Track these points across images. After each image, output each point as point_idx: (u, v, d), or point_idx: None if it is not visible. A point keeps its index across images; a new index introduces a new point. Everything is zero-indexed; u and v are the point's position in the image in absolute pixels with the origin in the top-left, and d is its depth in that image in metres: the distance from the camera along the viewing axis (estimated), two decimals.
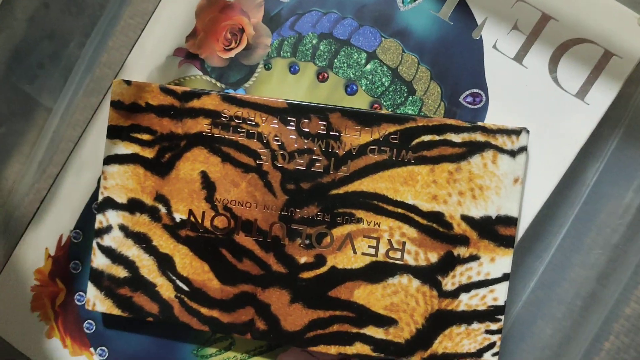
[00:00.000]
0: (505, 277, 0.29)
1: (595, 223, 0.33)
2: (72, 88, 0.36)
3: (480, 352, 0.29)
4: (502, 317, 0.29)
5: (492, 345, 0.29)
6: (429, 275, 0.30)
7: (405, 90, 0.31)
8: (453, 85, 0.31)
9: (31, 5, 0.38)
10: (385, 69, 0.31)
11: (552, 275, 0.34)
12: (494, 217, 0.29)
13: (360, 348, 0.30)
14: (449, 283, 0.30)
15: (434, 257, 0.30)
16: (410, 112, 0.31)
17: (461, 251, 0.30)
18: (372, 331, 0.30)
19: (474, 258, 0.29)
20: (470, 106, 0.31)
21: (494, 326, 0.29)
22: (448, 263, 0.30)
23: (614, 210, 0.33)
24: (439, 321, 0.30)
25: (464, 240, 0.30)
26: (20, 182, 0.37)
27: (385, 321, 0.30)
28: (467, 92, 0.31)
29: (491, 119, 0.31)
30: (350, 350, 0.30)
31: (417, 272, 0.30)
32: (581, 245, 0.34)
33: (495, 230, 0.29)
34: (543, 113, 0.31)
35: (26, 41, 0.37)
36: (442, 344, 0.30)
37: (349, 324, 0.30)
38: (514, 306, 0.34)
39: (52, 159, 0.36)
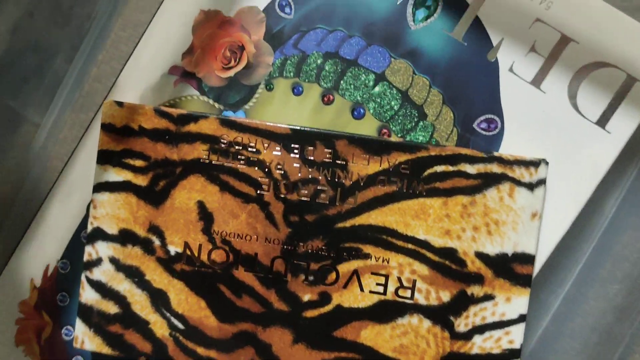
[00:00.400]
0: (521, 318, 0.28)
1: (613, 255, 0.32)
2: (60, 103, 0.34)
3: None
4: None
5: None
6: (441, 315, 0.28)
7: (416, 114, 0.29)
8: (466, 110, 0.29)
9: (14, 15, 0.35)
10: (395, 92, 0.30)
11: (567, 309, 0.32)
12: (510, 255, 0.28)
13: None
14: (462, 324, 0.28)
15: (446, 296, 0.28)
16: (420, 138, 0.29)
17: (475, 290, 0.28)
18: None
19: (488, 297, 0.28)
20: (484, 133, 0.29)
21: None
22: (461, 303, 0.28)
23: (632, 242, 0.31)
24: None
25: (478, 279, 0.28)
26: (4, 204, 0.35)
27: None
28: (482, 118, 0.29)
29: (507, 147, 0.29)
30: None
31: (428, 312, 0.28)
32: (597, 279, 0.32)
33: (511, 268, 0.28)
34: (562, 141, 0.29)
35: (9, 53, 0.35)
36: None
37: None
38: (528, 342, 0.32)
39: (39, 180, 0.34)
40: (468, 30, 0.29)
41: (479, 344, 0.28)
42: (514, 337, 0.28)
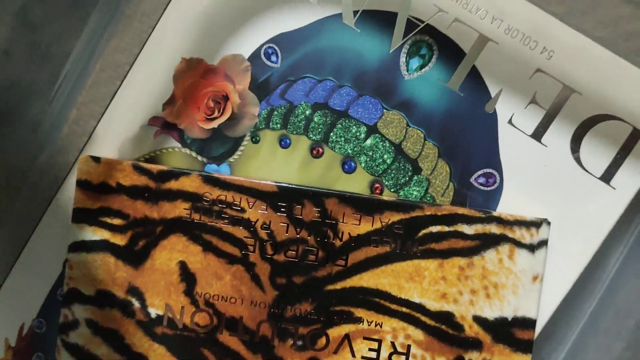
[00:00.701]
0: None
1: (616, 311, 0.30)
2: (38, 146, 0.33)
3: None
4: None
5: None
6: None
7: (410, 168, 0.28)
8: (464, 164, 0.28)
9: None
10: (388, 145, 0.28)
11: None
12: (510, 319, 0.26)
13: None
14: None
15: None
16: (415, 193, 0.28)
17: (473, 356, 0.26)
18: None
19: None
20: (482, 188, 0.28)
21: None
22: None
23: (637, 300, 0.30)
24: None
25: (476, 344, 0.26)
26: None
27: None
28: (480, 172, 0.28)
29: (506, 202, 0.28)
30: None
31: None
32: (601, 334, 0.31)
33: (511, 333, 0.26)
34: (564, 198, 0.27)
35: None
36: None
37: None
38: None
39: (14, 229, 0.32)
40: (465, 81, 0.28)
41: None
42: None
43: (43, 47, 0.34)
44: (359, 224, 0.27)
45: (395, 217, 0.27)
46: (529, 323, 0.26)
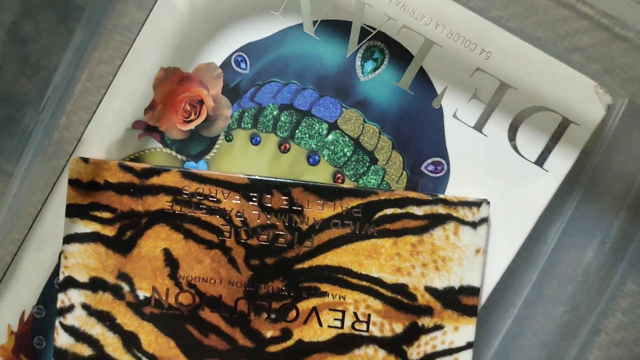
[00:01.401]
0: (469, 345, 0.30)
1: (557, 282, 0.34)
2: (31, 152, 0.36)
3: None
4: None
5: None
6: (395, 345, 0.30)
7: (368, 160, 0.31)
8: (415, 154, 0.31)
9: None
10: (347, 139, 0.31)
11: (518, 328, 0.34)
12: (457, 288, 0.30)
13: None
14: (414, 352, 0.30)
15: (399, 328, 0.30)
16: (372, 181, 0.31)
17: (425, 321, 0.30)
18: None
19: (438, 328, 0.30)
20: (432, 175, 0.31)
21: None
22: (413, 333, 0.30)
23: (574, 269, 0.34)
24: None
25: (428, 311, 0.30)
26: None
27: None
28: (429, 161, 0.31)
29: (453, 187, 0.31)
30: None
31: (382, 342, 0.30)
32: (544, 303, 0.34)
33: (458, 300, 0.30)
34: (503, 180, 0.31)
35: None
36: None
37: None
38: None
39: (10, 230, 0.35)
40: (414, 80, 0.31)
41: None
42: None
43: (33, 60, 0.37)
44: (322, 210, 0.30)
45: (354, 202, 0.30)
46: (474, 291, 0.30)
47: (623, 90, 0.32)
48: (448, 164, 0.31)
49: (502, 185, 0.31)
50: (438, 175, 0.31)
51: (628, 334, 0.35)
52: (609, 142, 0.33)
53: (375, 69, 0.31)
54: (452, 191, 0.31)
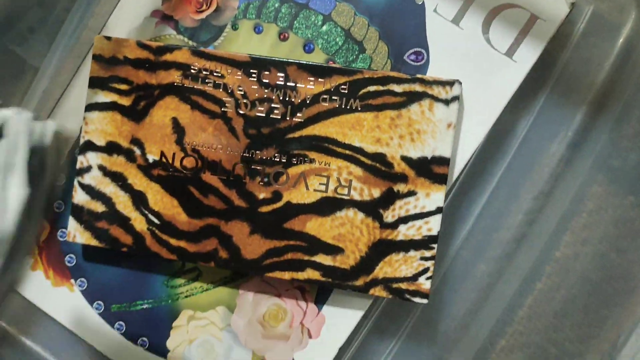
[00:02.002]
0: (438, 210, 0.33)
1: (527, 172, 0.37)
2: (59, 50, 0.40)
3: (416, 276, 0.33)
4: (435, 245, 0.33)
5: (426, 270, 0.33)
6: (372, 208, 0.33)
7: (357, 49, 0.35)
8: (398, 45, 0.35)
9: None
10: (339, 30, 0.35)
11: (488, 221, 0.38)
12: (429, 158, 0.33)
13: (310, 274, 0.34)
14: (389, 216, 0.33)
15: (376, 193, 0.33)
16: (361, 67, 0.35)
17: (400, 187, 0.33)
18: (321, 259, 0.34)
19: (411, 193, 0.33)
20: (413, 63, 0.35)
21: (428, 254, 0.33)
22: (389, 198, 0.33)
23: (542, 160, 0.37)
24: (380, 249, 0.33)
25: (403, 178, 0.33)
26: None
27: (333, 250, 0.33)
28: (411, 51, 0.35)
29: (431, 74, 0.35)
30: (302, 275, 0.34)
31: (361, 206, 0.34)
32: (515, 193, 0.38)
33: (430, 169, 0.33)
34: (477, 69, 0.34)
35: (17, 7, 0.41)
36: (383, 269, 0.33)
37: (301, 253, 0.34)
38: (452, 247, 0.37)
39: (38, 115, 0.39)
40: None
41: (404, 232, 0.33)
42: (432, 226, 0.33)
43: None
44: (313, 86, 0.34)
45: (341, 80, 0.34)
46: (444, 161, 0.33)
47: None
48: (428, 53, 0.35)
49: (475, 72, 0.34)
50: (419, 64, 0.35)
51: (594, 233, 0.38)
52: (575, 43, 0.36)
53: None
54: None
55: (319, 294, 0.35)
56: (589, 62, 0.36)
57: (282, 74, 0.34)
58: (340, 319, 0.35)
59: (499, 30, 0.34)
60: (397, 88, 0.34)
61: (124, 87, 0.35)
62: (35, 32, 0.41)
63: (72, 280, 0.37)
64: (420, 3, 0.35)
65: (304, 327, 0.35)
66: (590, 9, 0.36)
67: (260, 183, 0.34)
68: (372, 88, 0.34)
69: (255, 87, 0.34)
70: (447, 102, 0.33)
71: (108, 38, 0.35)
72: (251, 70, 0.34)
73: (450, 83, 0.33)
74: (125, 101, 0.35)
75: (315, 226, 0.34)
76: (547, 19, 0.34)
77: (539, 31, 0.34)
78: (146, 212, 0.35)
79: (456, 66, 0.35)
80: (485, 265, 0.39)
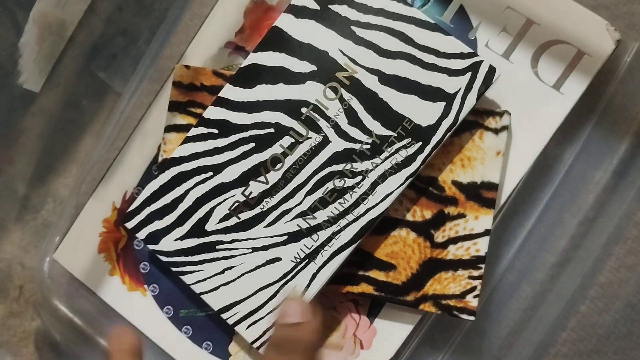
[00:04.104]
0: (486, 232, 0.35)
1: (572, 198, 0.39)
2: (139, 76, 0.44)
3: (464, 294, 0.35)
4: (482, 265, 0.35)
5: (473, 289, 0.35)
6: (424, 229, 0.36)
7: None
8: None
9: (108, 8, 0.46)
10: None
11: (534, 245, 0.40)
12: (478, 183, 0.36)
13: (365, 288, 0.36)
14: (440, 236, 0.36)
15: (428, 214, 0.36)
16: None
17: (451, 210, 0.36)
18: (375, 274, 0.36)
19: (461, 216, 0.36)
20: None
21: (476, 273, 0.35)
22: (440, 219, 0.36)
23: (588, 187, 0.39)
24: (431, 267, 0.36)
25: (453, 201, 0.36)
26: (92, 153, 0.44)
27: (386, 266, 0.36)
28: None
29: (483, 105, 0.37)
30: (356, 289, 0.36)
31: (414, 226, 0.36)
32: (560, 218, 0.39)
33: (479, 193, 0.36)
34: (525, 100, 0.37)
35: (103, 36, 0.45)
36: (433, 286, 0.36)
37: (356, 267, 0.36)
38: (499, 269, 0.39)
39: (119, 134, 0.43)
40: (454, 15, 0.38)
41: (453, 251, 0.36)
42: (480, 247, 0.35)
43: (147, 4, 0.45)
44: None
45: None
46: (493, 186, 0.36)
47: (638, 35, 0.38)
48: None
49: (524, 104, 0.37)
50: None
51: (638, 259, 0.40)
52: (621, 77, 0.38)
53: (423, 5, 0.38)
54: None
55: (372, 307, 0.38)
56: (634, 95, 0.38)
57: None
58: (391, 332, 0.38)
59: (547, 64, 0.37)
60: None
61: (200, 111, 0.39)
62: (118, 58, 0.45)
63: (145, 286, 0.40)
64: (472, 38, 0.38)
65: (356, 338, 0.38)
66: (636, 45, 0.38)
67: None
68: None
69: None
70: (496, 131, 0.36)
71: (187, 67, 0.39)
72: None
73: (500, 114, 0.36)
74: None
75: (370, 243, 0.36)
76: (593, 55, 0.36)
77: (585, 66, 0.36)
78: None
79: (506, 98, 0.37)
80: (530, 287, 0.40)
